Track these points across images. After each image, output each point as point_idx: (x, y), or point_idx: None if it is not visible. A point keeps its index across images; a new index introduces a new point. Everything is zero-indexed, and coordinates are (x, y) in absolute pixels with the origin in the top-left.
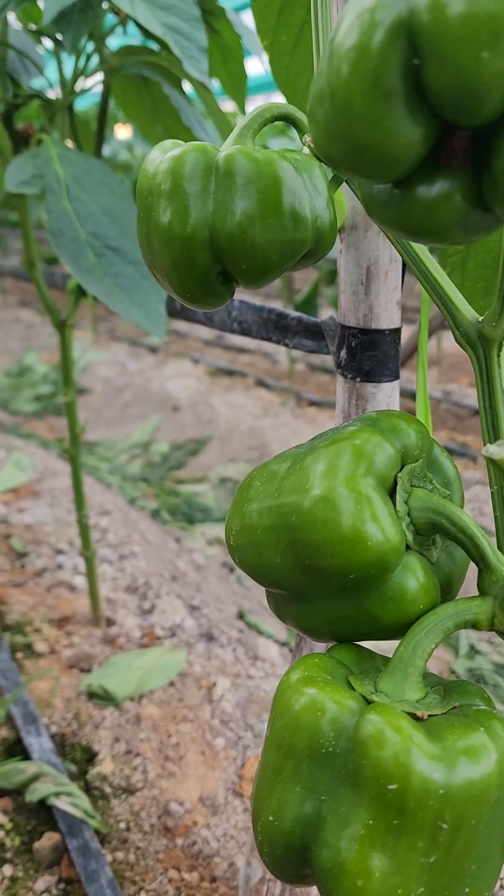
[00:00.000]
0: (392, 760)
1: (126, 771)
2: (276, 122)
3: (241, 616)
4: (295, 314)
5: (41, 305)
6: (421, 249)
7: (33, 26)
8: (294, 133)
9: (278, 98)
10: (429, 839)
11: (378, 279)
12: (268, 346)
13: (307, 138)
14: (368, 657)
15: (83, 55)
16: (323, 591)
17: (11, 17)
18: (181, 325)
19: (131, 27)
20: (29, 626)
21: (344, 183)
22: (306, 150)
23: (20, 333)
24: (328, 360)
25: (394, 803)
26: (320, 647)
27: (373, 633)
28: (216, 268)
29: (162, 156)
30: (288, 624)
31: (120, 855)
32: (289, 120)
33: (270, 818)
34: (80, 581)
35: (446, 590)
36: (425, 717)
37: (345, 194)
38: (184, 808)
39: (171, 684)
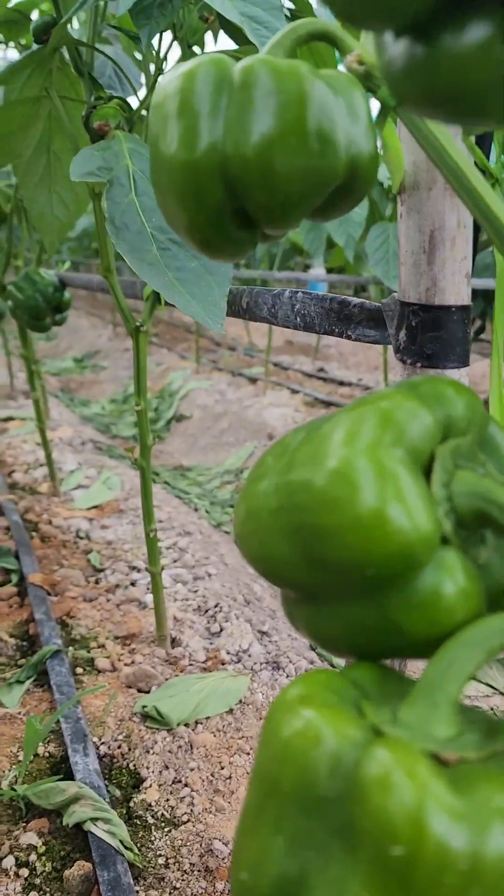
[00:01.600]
0: (399, 814)
1: (172, 801)
2: None
3: (313, 647)
4: (356, 300)
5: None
6: (460, 157)
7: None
8: None
9: None
10: None
11: (443, 247)
12: (368, 379)
13: (349, 59)
14: (395, 681)
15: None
16: (336, 590)
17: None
18: (284, 358)
19: (223, 37)
20: (93, 642)
21: (405, 134)
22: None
23: (128, 363)
24: None
25: (397, 874)
26: None
27: (399, 648)
28: (231, 204)
29: (173, 74)
30: (301, 632)
31: (154, 894)
32: (328, 39)
33: (244, 876)
34: (151, 599)
35: (494, 601)
36: (454, 760)
37: (405, 149)
38: (228, 849)
39: (230, 712)
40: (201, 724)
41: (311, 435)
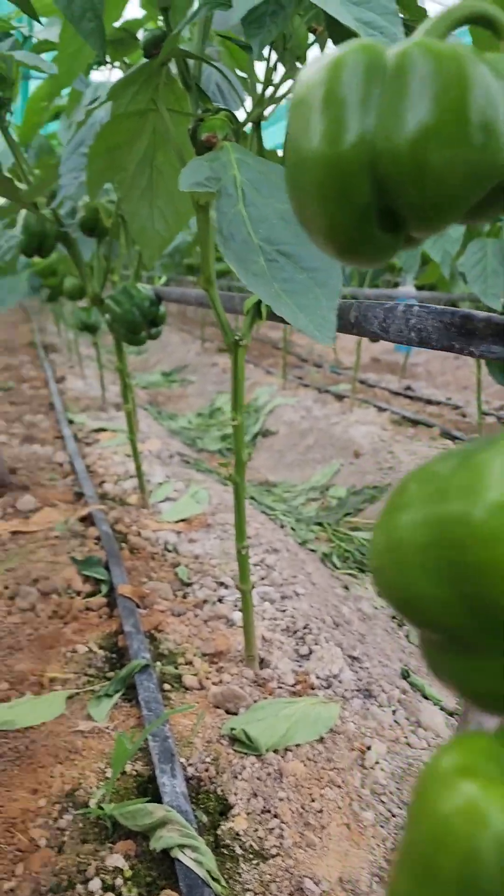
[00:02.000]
0: None
1: (260, 832)
2: None
3: (405, 675)
4: (482, 314)
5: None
6: None
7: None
8: None
9: None
10: None
11: None
12: (457, 398)
13: None
14: None
15: (272, 65)
16: (496, 639)
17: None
18: (370, 375)
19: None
20: (181, 658)
21: None
22: None
23: (216, 377)
24: None
25: None
26: (493, 722)
27: None
28: (378, 204)
29: (317, 64)
30: (444, 682)
31: None
32: (488, 23)
33: None
34: (239, 617)
35: None
36: None
37: None
38: (320, 889)
39: (321, 740)
40: (291, 751)
41: (465, 462)
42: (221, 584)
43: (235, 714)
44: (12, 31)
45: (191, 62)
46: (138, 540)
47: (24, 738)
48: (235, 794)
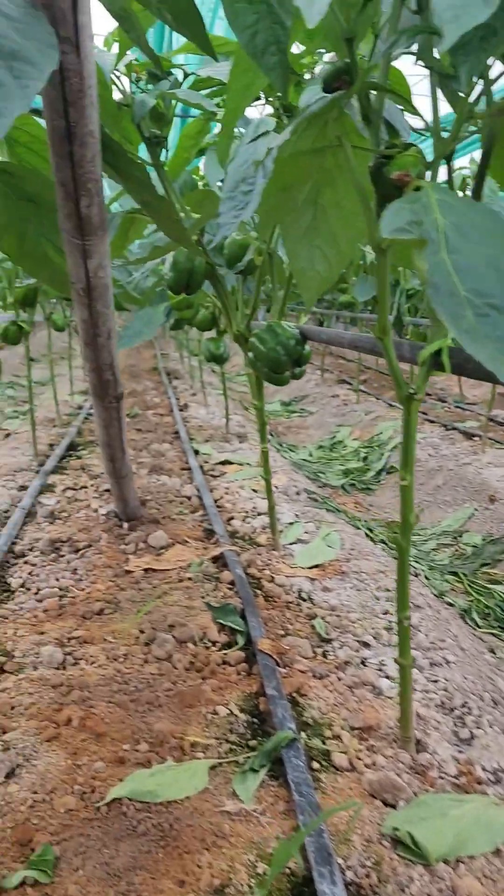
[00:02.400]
0: None
1: None
2: None
3: None
4: None
5: (356, 384)
6: None
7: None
8: None
9: None
10: None
11: None
12: None
13: None
14: None
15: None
16: None
17: None
18: (499, 412)
19: None
20: (328, 730)
21: None
22: None
23: (335, 409)
24: None
25: None
26: None
27: None
28: None
29: None
30: None
31: None
32: None
33: None
34: (386, 685)
35: None
36: None
37: None
38: None
39: (497, 853)
40: (463, 863)
41: None
42: (364, 643)
43: (393, 807)
44: (172, 70)
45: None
46: (272, 587)
47: (167, 813)
48: None
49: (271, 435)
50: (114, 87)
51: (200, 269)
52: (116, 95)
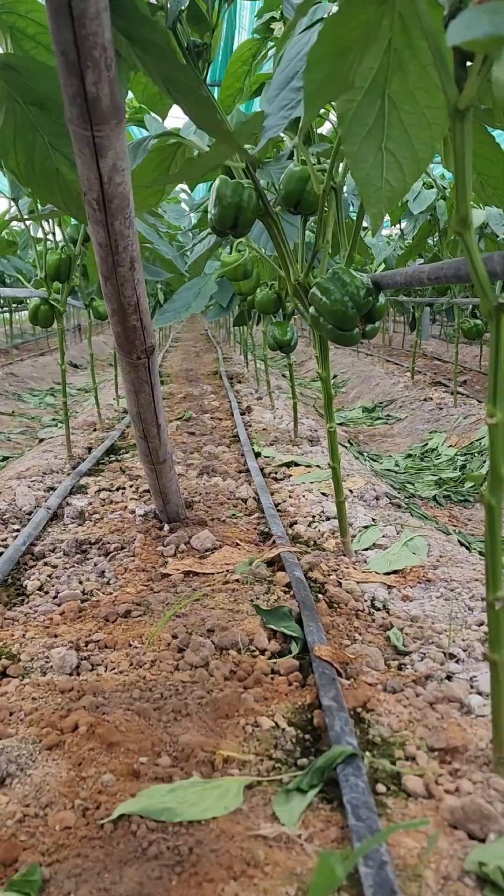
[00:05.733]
0: None
1: None
2: None
3: None
4: None
5: (454, 385)
6: None
7: None
8: None
9: None
10: None
11: None
12: None
13: None
14: None
15: None
16: None
17: None
18: None
19: None
20: (399, 750)
21: None
22: None
23: (427, 414)
24: None
25: None
26: None
27: None
28: None
29: None
30: None
31: None
32: None
33: None
34: (477, 702)
35: None
36: None
37: None
38: None
39: None
40: None
41: None
42: (451, 656)
43: (482, 840)
44: None
45: None
46: (338, 591)
47: (187, 835)
48: None
49: (350, 443)
50: None
51: (250, 204)
52: None
